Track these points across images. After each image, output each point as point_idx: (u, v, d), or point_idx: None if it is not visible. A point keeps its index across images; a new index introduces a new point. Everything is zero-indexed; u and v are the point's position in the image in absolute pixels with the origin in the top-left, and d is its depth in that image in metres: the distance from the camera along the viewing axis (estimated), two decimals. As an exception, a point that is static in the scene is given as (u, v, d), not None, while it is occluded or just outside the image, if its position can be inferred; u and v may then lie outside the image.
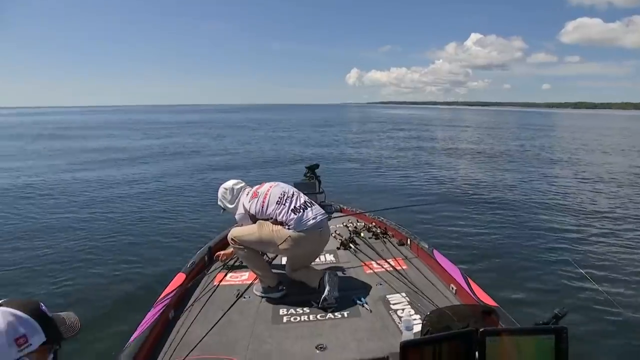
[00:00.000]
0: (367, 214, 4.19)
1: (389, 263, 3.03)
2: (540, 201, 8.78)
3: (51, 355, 1.08)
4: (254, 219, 2.67)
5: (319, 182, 4.35)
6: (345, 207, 4.50)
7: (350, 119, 58.89)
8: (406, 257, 3.18)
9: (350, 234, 3.69)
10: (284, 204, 2.60)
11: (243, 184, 2.89)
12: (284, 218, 2.56)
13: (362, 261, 3.14)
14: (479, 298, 2.33)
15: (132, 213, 7.55)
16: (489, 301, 2.28)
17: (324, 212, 2.71)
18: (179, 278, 2.70)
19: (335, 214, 4.27)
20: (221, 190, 2.88)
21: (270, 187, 2.73)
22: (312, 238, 2.60)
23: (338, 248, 3.42)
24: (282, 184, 2.80)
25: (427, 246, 3.15)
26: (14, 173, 12.12)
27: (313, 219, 2.58)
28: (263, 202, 2.64)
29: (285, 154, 16.84)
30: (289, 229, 2.54)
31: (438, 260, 2.89)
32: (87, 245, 5.75)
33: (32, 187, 10.09)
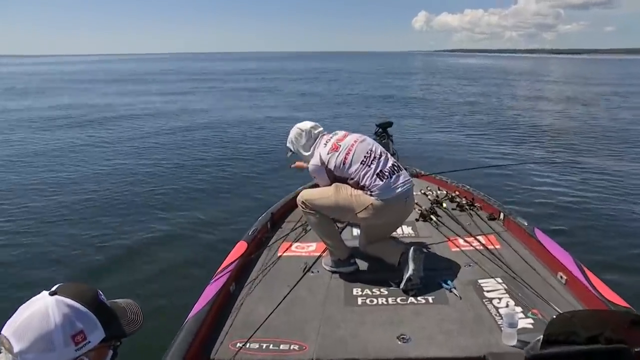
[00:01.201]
0: (449, 181, 3.92)
1: (478, 240, 2.79)
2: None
3: (111, 352, 0.99)
4: (330, 174, 2.47)
5: (392, 141, 4.06)
6: (423, 172, 4.24)
7: (416, 69, 56.68)
8: (499, 235, 2.91)
9: (430, 203, 3.47)
10: (370, 166, 2.35)
11: (321, 129, 2.63)
12: (368, 182, 2.33)
13: (445, 236, 2.93)
14: (601, 294, 2.00)
15: (188, 171, 7.59)
16: (617, 300, 1.94)
17: (410, 178, 2.48)
18: (240, 247, 2.65)
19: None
20: (295, 131, 2.62)
21: (355, 141, 2.45)
22: (396, 208, 2.39)
23: (417, 220, 3.22)
24: (368, 140, 2.52)
25: (525, 223, 2.84)
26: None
27: (401, 186, 2.36)
28: (345, 157, 2.39)
29: (348, 107, 16.49)
30: (371, 195, 2.32)
31: (541, 240, 2.59)
32: (139, 206, 5.77)
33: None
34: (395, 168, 2.42)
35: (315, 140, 2.56)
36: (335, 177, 2.46)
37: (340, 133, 2.53)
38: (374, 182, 2.32)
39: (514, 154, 8.73)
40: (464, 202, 3.45)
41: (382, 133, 4.10)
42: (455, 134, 11.11)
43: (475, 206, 3.40)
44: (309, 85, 26.97)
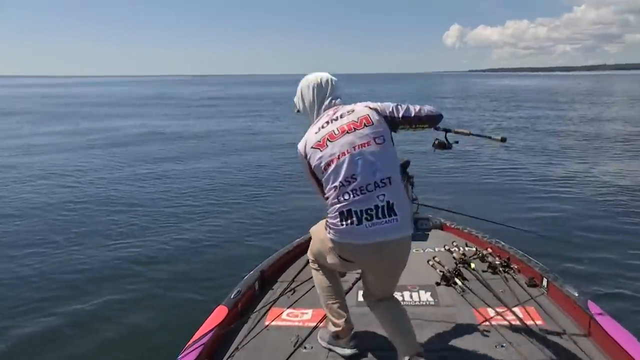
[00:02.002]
0: (480, 236, 3.86)
1: (513, 313, 2.69)
2: None
3: None
4: (314, 176, 2.18)
5: (412, 185, 4.05)
6: (447, 224, 4.19)
7: (444, 93, 57.26)
8: (541, 307, 2.80)
9: (455, 263, 3.39)
10: (342, 196, 2.00)
11: (337, 93, 2.27)
12: (330, 215, 2.07)
13: (472, 306, 2.84)
14: None
15: (167, 210, 7.65)
16: None
17: (407, 226, 2.05)
18: (219, 313, 2.61)
19: (433, 233, 3.98)
20: (303, 82, 2.30)
21: (346, 152, 2.03)
22: (360, 259, 2.14)
23: (437, 283, 3.15)
24: (368, 153, 2.03)
25: (576, 293, 2.70)
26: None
27: (373, 236, 1.98)
28: (325, 168, 2.06)
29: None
30: (328, 233, 2.12)
31: (597, 318, 2.43)
32: (99, 247, 5.89)
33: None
34: (380, 212, 1.98)
35: (323, 105, 2.23)
36: (317, 180, 2.17)
37: (342, 120, 2.12)
38: (335, 218, 2.03)
39: (563, 203, 8.21)
40: (497, 262, 3.37)
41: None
42: (489, 173, 10.85)
43: (511, 268, 3.32)
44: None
